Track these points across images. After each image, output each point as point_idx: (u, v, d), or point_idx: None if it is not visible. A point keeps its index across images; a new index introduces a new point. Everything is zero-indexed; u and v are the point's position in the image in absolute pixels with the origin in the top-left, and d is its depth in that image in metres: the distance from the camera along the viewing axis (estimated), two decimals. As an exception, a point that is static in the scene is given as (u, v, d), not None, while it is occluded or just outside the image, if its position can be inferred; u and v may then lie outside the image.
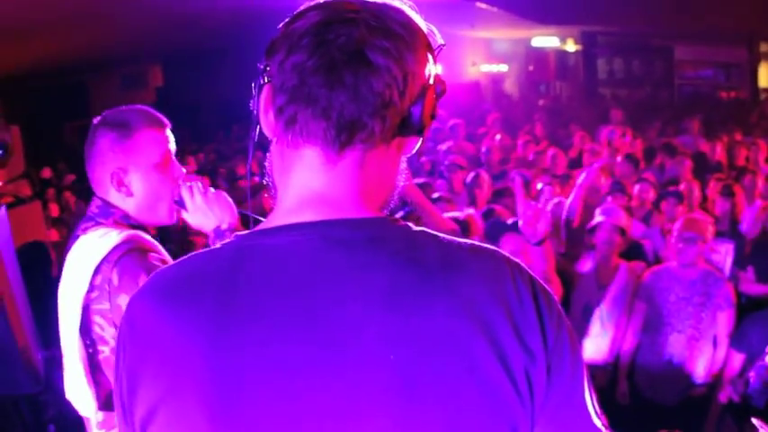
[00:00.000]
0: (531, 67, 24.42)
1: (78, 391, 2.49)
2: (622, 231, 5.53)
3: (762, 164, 9.51)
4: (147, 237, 2.53)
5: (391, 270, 1.18)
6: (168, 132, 2.61)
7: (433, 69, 1.30)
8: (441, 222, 4.48)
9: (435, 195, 6.84)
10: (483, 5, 15.74)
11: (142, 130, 2.53)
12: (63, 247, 2.60)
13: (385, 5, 1.27)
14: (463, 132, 11.47)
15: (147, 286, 1.26)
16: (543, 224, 3.93)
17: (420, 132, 1.29)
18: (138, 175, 2.53)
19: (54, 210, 10.23)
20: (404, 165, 1.36)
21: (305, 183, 1.27)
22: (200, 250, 1.29)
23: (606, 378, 5.42)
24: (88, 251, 2.42)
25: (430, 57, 1.29)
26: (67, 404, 2.56)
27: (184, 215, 2.63)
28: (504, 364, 1.17)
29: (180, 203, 2.62)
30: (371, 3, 1.26)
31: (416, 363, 1.14)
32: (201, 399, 1.14)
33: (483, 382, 1.16)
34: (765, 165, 9.47)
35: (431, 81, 1.29)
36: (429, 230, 1.26)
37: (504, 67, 24.45)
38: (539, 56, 24.07)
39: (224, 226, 2.53)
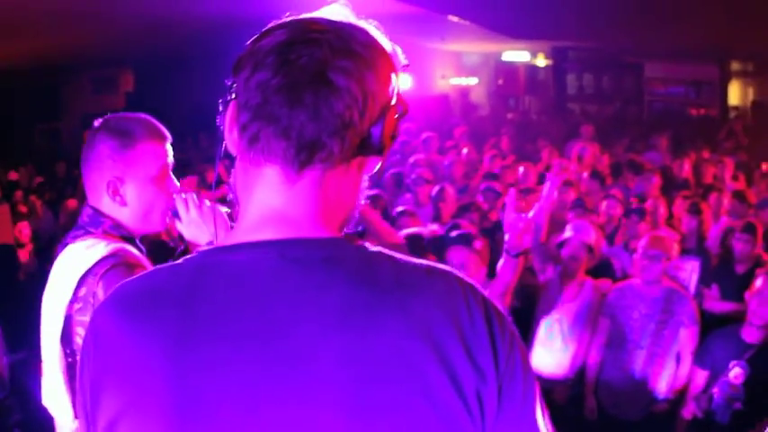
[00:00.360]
0: (500, 81, 24.51)
1: (56, 399, 2.48)
2: (590, 248, 5.57)
3: (728, 181, 9.60)
4: (134, 250, 2.49)
5: (347, 289, 1.19)
6: (168, 146, 2.60)
7: (396, 90, 1.31)
8: (388, 237, 4.52)
9: (400, 209, 6.83)
10: (454, 18, 15.81)
11: (144, 141, 2.51)
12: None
13: (350, 26, 1.29)
14: (436, 145, 11.49)
15: (112, 298, 1.27)
16: (528, 237, 3.96)
17: (380, 152, 1.30)
18: (135, 185, 2.51)
19: (23, 212, 10.20)
20: (365, 184, 1.37)
21: (265, 201, 1.28)
22: (164, 265, 1.30)
23: (566, 393, 5.45)
24: (74, 261, 2.39)
25: (393, 77, 1.31)
26: (33, 409, 2.55)
27: (179, 226, 2.62)
28: (455, 384, 1.18)
29: (175, 215, 2.61)
30: (337, 23, 1.28)
31: (370, 381, 1.16)
32: (162, 412, 1.16)
33: (434, 401, 1.17)
34: (732, 182, 9.56)
35: (393, 101, 1.30)
36: (385, 251, 1.27)
37: (473, 81, 24.52)
38: (509, 70, 24.17)
39: (218, 240, 2.52)
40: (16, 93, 18.04)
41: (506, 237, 3.97)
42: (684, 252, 6.59)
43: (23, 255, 7.99)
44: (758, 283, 4.69)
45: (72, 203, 7.41)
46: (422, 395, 1.16)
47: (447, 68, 23.80)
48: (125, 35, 15.07)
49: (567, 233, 5.66)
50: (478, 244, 4.57)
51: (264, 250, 1.23)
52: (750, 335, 4.63)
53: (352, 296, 1.19)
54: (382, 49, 1.30)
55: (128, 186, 2.50)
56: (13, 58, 14.61)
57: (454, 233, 4.87)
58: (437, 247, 5.10)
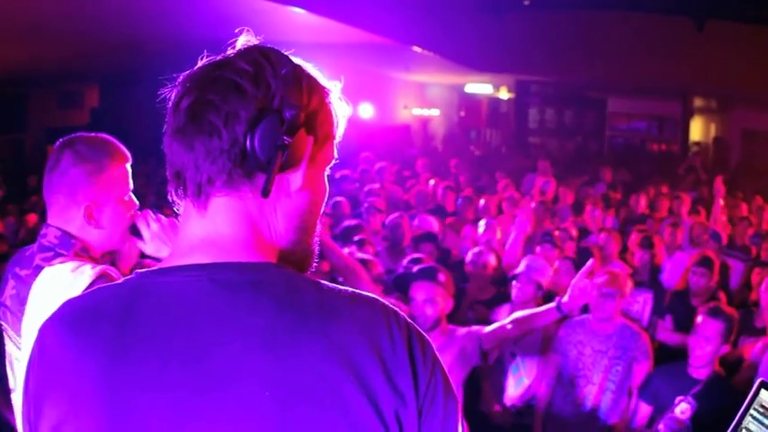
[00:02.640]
0: (462, 113, 24.64)
1: None
2: (539, 286, 5.63)
3: (684, 216, 9.74)
4: (116, 271, 2.51)
5: (271, 313, 1.24)
6: (129, 165, 2.62)
7: (289, 95, 1.33)
8: (343, 258, 4.58)
9: (357, 238, 6.85)
10: (418, 49, 15.92)
11: (114, 164, 2.52)
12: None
13: (233, 54, 1.36)
14: (390, 175, 11.49)
15: (57, 315, 1.33)
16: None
17: (265, 167, 1.31)
18: (108, 208, 2.53)
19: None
20: (301, 204, 1.40)
21: (191, 230, 1.36)
22: (107, 284, 1.37)
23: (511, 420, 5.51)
24: (60, 284, 2.35)
25: (278, 85, 1.33)
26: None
27: (140, 245, 2.65)
28: (374, 406, 1.23)
29: (136, 233, 2.64)
30: (219, 58, 1.36)
31: (291, 403, 1.20)
32: (95, 426, 1.22)
33: (353, 422, 1.22)
34: (688, 217, 9.70)
35: (276, 109, 1.32)
36: (311, 278, 1.34)
37: (435, 112, 24.65)
38: (471, 102, 24.28)
39: None
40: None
41: (566, 297, 4.15)
42: (637, 285, 6.67)
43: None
44: (698, 321, 4.71)
45: (33, 218, 7.29)
46: (341, 416, 1.21)
47: (410, 98, 23.90)
48: (92, 51, 15.01)
49: (519, 268, 5.73)
50: (442, 276, 4.59)
51: (195, 273, 1.29)
52: (696, 370, 4.66)
53: (276, 319, 1.23)
54: (255, 67, 1.33)
55: (102, 209, 2.52)
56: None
57: (416, 268, 4.90)
58: (400, 283, 5.12)
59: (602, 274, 5.35)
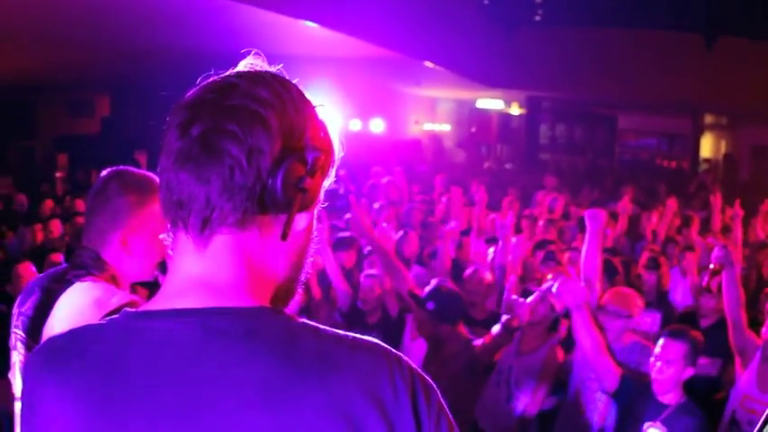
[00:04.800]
0: (473, 129, 24.65)
1: None
2: (551, 308, 5.60)
3: (694, 237, 9.69)
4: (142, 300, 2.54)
5: (266, 365, 1.19)
6: None
7: (310, 135, 1.29)
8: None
9: (368, 249, 6.84)
10: (430, 64, 15.95)
11: (155, 199, 2.58)
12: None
13: (247, 79, 1.29)
14: (399, 190, 11.45)
15: (42, 353, 1.30)
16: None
17: (286, 207, 1.27)
18: (143, 239, 2.57)
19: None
20: (305, 245, 1.37)
21: (186, 267, 1.28)
22: (92, 324, 1.32)
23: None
24: (86, 300, 2.38)
25: (299, 122, 1.29)
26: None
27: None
28: None
29: (164, 270, 2.67)
30: (232, 80, 1.29)
31: None
32: None
33: None
34: (698, 238, 9.65)
35: (298, 149, 1.27)
36: (311, 323, 1.26)
37: (446, 127, 24.68)
38: (482, 117, 24.31)
39: None
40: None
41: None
42: (645, 305, 6.64)
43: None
44: (659, 342, 4.60)
45: (56, 257, 7.26)
46: None
47: (421, 114, 23.94)
48: (103, 60, 15.09)
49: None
50: None
51: (187, 319, 1.22)
52: (662, 396, 4.58)
53: (271, 372, 1.18)
54: (278, 100, 1.27)
55: (138, 238, 2.56)
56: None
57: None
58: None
59: (609, 294, 5.31)
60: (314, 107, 1.33)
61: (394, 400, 1.21)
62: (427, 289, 5.32)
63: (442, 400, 1.30)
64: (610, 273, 6.57)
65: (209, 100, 1.26)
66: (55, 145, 20.68)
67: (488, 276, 6.36)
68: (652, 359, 4.46)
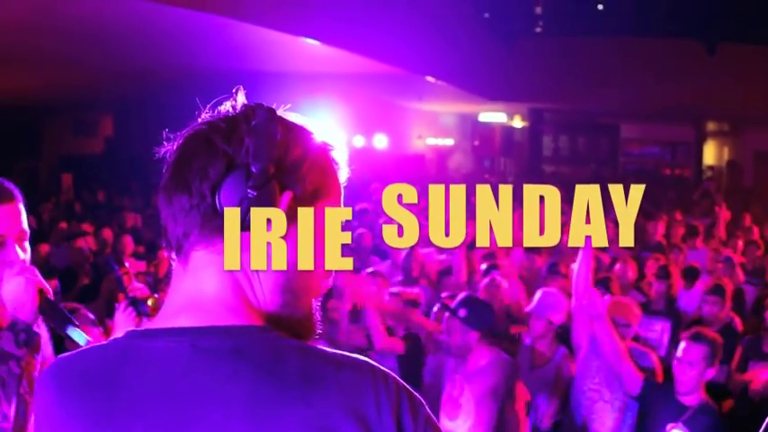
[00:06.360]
0: (476, 142, 24.66)
1: None
2: (550, 321, 5.60)
3: (699, 245, 9.70)
4: None
5: (252, 382, 1.22)
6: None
7: (253, 148, 1.30)
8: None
9: (370, 270, 6.79)
10: (432, 79, 15.98)
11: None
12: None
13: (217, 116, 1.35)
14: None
15: (50, 372, 1.38)
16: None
17: (241, 226, 1.28)
18: None
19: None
20: (290, 277, 1.35)
21: (178, 286, 1.35)
22: (95, 344, 1.40)
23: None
24: None
25: (246, 140, 1.30)
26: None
27: None
28: None
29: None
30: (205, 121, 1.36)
31: None
32: None
33: None
34: (703, 245, 9.66)
35: (242, 165, 1.29)
36: (300, 342, 1.29)
37: (449, 141, 24.70)
38: (485, 131, 24.33)
39: None
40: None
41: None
42: (655, 313, 6.65)
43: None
44: (681, 346, 4.69)
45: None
46: None
47: (423, 128, 23.96)
48: (107, 79, 15.15)
49: (531, 305, 5.71)
50: None
51: (179, 338, 1.27)
52: (684, 397, 4.65)
53: (256, 389, 1.22)
54: (228, 124, 1.32)
55: None
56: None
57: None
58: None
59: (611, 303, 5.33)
60: (278, 122, 1.32)
61: (377, 417, 1.22)
62: (457, 299, 5.33)
63: (431, 414, 1.30)
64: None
65: (187, 131, 1.35)
66: (59, 164, 20.76)
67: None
68: (675, 362, 4.57)
